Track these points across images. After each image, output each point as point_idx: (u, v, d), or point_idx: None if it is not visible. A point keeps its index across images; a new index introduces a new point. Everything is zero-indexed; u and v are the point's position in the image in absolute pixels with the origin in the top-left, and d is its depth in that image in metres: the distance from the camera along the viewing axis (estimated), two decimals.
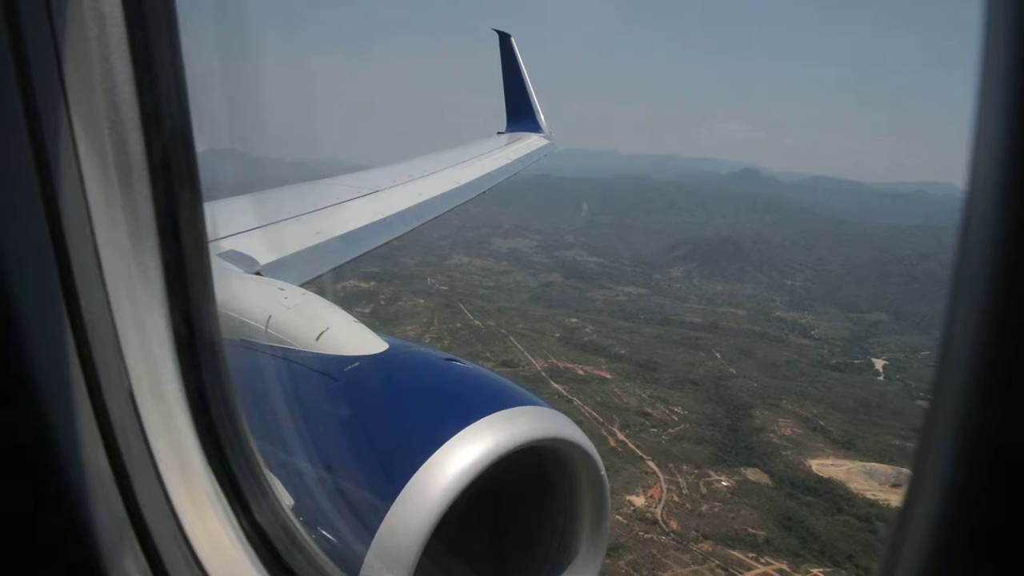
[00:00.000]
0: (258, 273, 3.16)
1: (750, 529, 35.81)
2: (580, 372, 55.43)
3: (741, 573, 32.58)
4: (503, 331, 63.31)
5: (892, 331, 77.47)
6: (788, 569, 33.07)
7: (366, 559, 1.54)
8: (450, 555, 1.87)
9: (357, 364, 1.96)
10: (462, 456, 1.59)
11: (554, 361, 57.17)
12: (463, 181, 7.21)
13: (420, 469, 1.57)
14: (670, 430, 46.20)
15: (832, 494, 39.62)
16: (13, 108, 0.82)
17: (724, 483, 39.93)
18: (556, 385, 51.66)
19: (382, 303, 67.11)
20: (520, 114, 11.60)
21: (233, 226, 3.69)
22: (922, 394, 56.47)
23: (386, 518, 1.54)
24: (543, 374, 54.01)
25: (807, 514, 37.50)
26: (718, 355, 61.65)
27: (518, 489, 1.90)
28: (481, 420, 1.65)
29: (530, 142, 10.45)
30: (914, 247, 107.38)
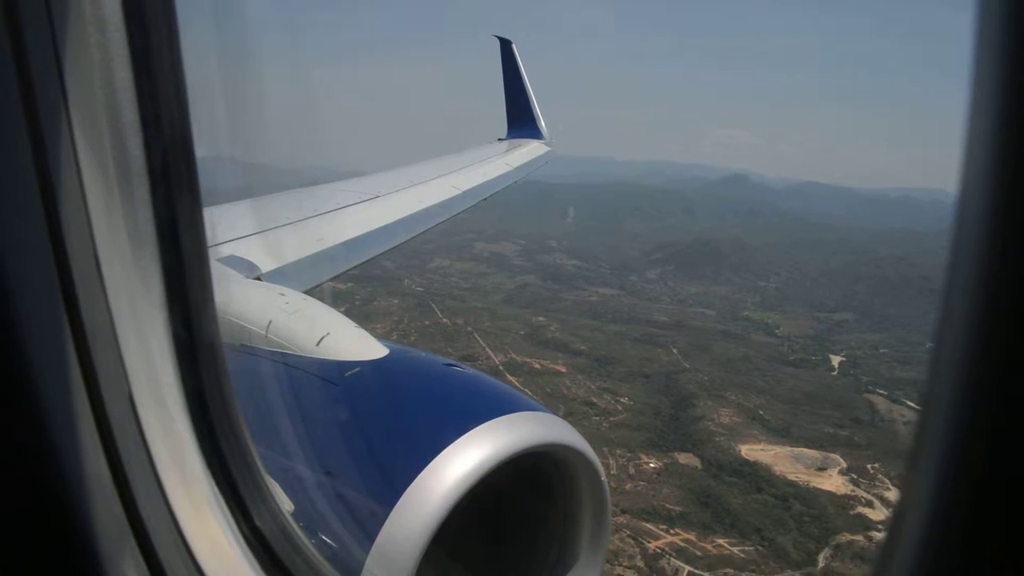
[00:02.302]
0: (258, 278, 3.17)
1: (668, 505, 38.11)
2: (537, 366, 57.68)
3: (649, 542, 34.90)
4: (469, 329, 65.59)
5: (856, 329, 79.19)
6: (695, 539, 35.35)
7: (366, 565, 1.55)
8: (450, 561, 1.86)
9: (357, 369, 1.98)
10: (462, 462, 1.59)
11: (513, 356, 59.44)
12: (464, 187, 7.16)
13: (420, 475, 1.57)
14: (612, 418, 48.37)
15: (755, 475, 41.82)
16: (14, 112, 0.82)
17: (652, 465, 42.18)
18: (511, 377, 53.85)
19: (357, 303, 69.49)
20: (521, 120, 11.67)
21: (234, 231, 3.70)
22: (871, 387, 58.65)
23: (386, 524, 1.54)
24: (500, 367, 56.23)
25: (726, 492, 39.78)
26: (675, 351, 63.65)
27: (518, 495, 1.90)
28: (481, 426, 1.66)
29: (531, 148, 10.51)
30: (890, 250, 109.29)
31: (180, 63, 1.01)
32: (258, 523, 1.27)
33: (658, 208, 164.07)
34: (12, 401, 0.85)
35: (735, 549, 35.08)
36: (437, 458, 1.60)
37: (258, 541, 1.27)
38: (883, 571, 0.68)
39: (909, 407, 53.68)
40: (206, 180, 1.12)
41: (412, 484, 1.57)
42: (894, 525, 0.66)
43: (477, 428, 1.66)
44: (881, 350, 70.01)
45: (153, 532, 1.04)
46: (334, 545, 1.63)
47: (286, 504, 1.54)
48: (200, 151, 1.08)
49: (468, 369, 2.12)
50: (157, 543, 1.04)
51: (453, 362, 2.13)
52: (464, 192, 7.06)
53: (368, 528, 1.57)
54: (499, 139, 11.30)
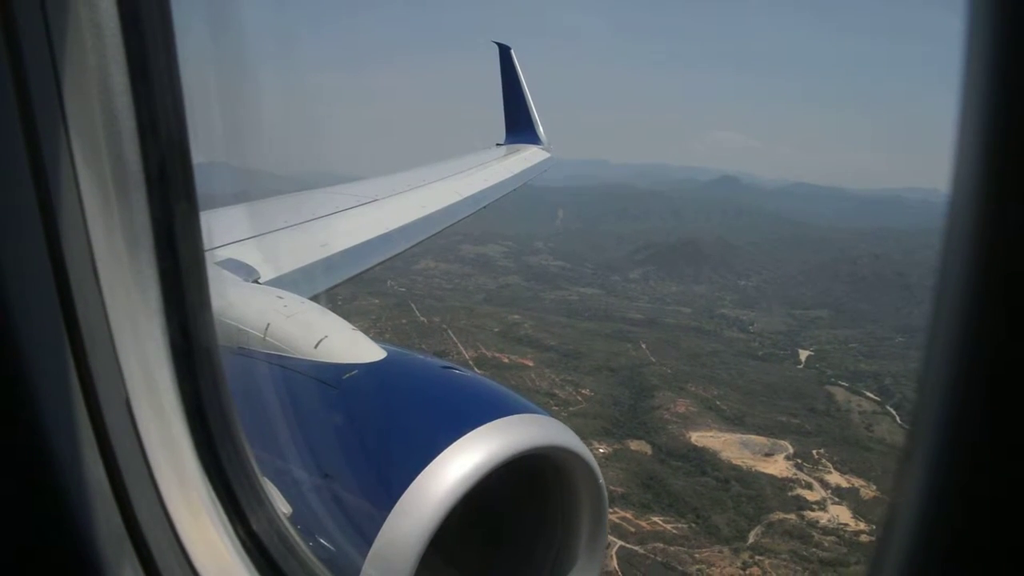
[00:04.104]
0: (256, 281, 3.19)
1: (610, 486, 39.23)
2: (505, 361, 59.34)
3: None
4: (444, 326, 67.32)
5: (828, 326, 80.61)
6: (632, 517, 37.20)
7: (363, 569, 1.55)
8: (447, 565, 1.86)
9: (355, 372, 1.99)
10: (459, 465, 1.60)
11: (483, 351, 61.11)
12: (466, 193, 7.17)
13: (417, 478, 1.58)
14: (570, 408, 50.02)
15: (701, 460, 43.68)
16: (10, 118, 0.82)
17: (602, 450, 43.85)
18: (478, 370, 55.33)
19: (339, 303, 70.82)
20: (519, 126, 11.70)
21: (231, 235, 3.71)
22: (834, 379, 60.24)
23: (383, 527, 1.55)
24: (470, 361, 57.94)
25: (670, 475, 41.65)
26: (643, 346, 65.29)
27: (516, 498, 1.92)
28: (479, 428, 1.67)
29: (529, 154, 10.53)
30: (869, 248, 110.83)
31: (176, 67, 1.02)
32: (255, 527, 1.27)
33: (646, 210, 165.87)
34: (9, 406, 0.85)
35: (669, 526, 36.98)
36: (434, 461, 1.61)
37: (255, 545, 1.26)
38: (876, 573, 0.68)
39: (868, 398, 55.43)
40: (202, 186, 1.12)
41: (409, 487, 1.57)
42: (886, 527, 0.67)
43: (474, 431, 1.66)
44: (850, 344, 71.49)
45: (150, 537, 1.05)
46: (331, 549, 1.64)
47: (283, 508, 1.53)
48: (197, 157, 1.09)
49: (466, 371, 2.14)
50: (154, 548, 1.05)
51: (451, 364, 2.15)
52: (466, 198, 7.05)
53: (365, 532, 1.58)
54: (497, 144, 11.35)
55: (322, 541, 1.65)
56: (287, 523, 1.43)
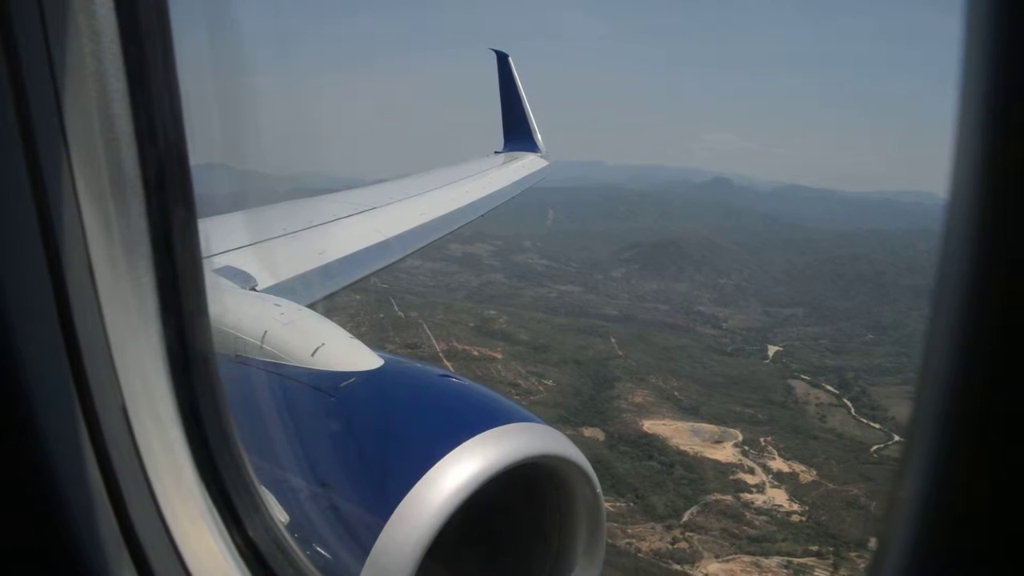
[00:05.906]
0: (253, 289, 3.22)
1: None
2: (475, 353, 60.92)
3: None
4: (420, 321, 68.89)
5: (801, 323, 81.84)
6: None
7: None
8: (445, 573, 1.86)
9: (352, 380, 2.00)
10: (457, 473, 1.61)
11: (455, 344, 62.66)
12: (464, 202, 7.28)
13: (415, 486, 1.59)
14: (531, 397, 51.50)
15: (650, 446, 45.40)
16: (8, 124, 0.82)
17: None
18: (446, 362, 57.34)
19: (320, 298, 72.92)
20: (517, 133, 11.73)
21: (229, 242, 3.73)
22: (797, 373, 61.66)
23: (381, 535, 1.56)
24: (440, 354, 59.68)
25: (616, 459, 43.32)
26: (613, 340, 66.73)
27: (513, 506, 1.93)
28: (476, 437, 1.68)
29: (527, 162, 10.61)
30: (852, 249, 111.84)
31: (175, 72, 1.02)
32: (252, 534, 1.28)
33: (635, 211, 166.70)
34: (6, 412, 0.85)
35: (607, 505, 37.60)
36: (432, 470, 1.62)
37: (252, 553, 1.27)
38: (876, 571, 0.68)
39: (827, 391, 56.92)
40: (201, 188, 1.12)
41: (407, 496, 1.59)
42: (886, 526, 0.67)
43: (472, 440, 1.68)
44: (819, 341, 72.70)
45: (147, 543, 1.04)
46: (329, 557, 1.66)
47: (281, 515, 1.54)
48: (195, 159, 1.10)
49: (463, 380, 2.17)
50: (151, 554, 1.05)
51: (448, 373, 2.20)
52: (463, 206, 7.17)
53: (363, 540, 1.59)
54: (495, 152, 11.41)
55: (319, 549, 1.67)
56: (284, 531, 1.44)
